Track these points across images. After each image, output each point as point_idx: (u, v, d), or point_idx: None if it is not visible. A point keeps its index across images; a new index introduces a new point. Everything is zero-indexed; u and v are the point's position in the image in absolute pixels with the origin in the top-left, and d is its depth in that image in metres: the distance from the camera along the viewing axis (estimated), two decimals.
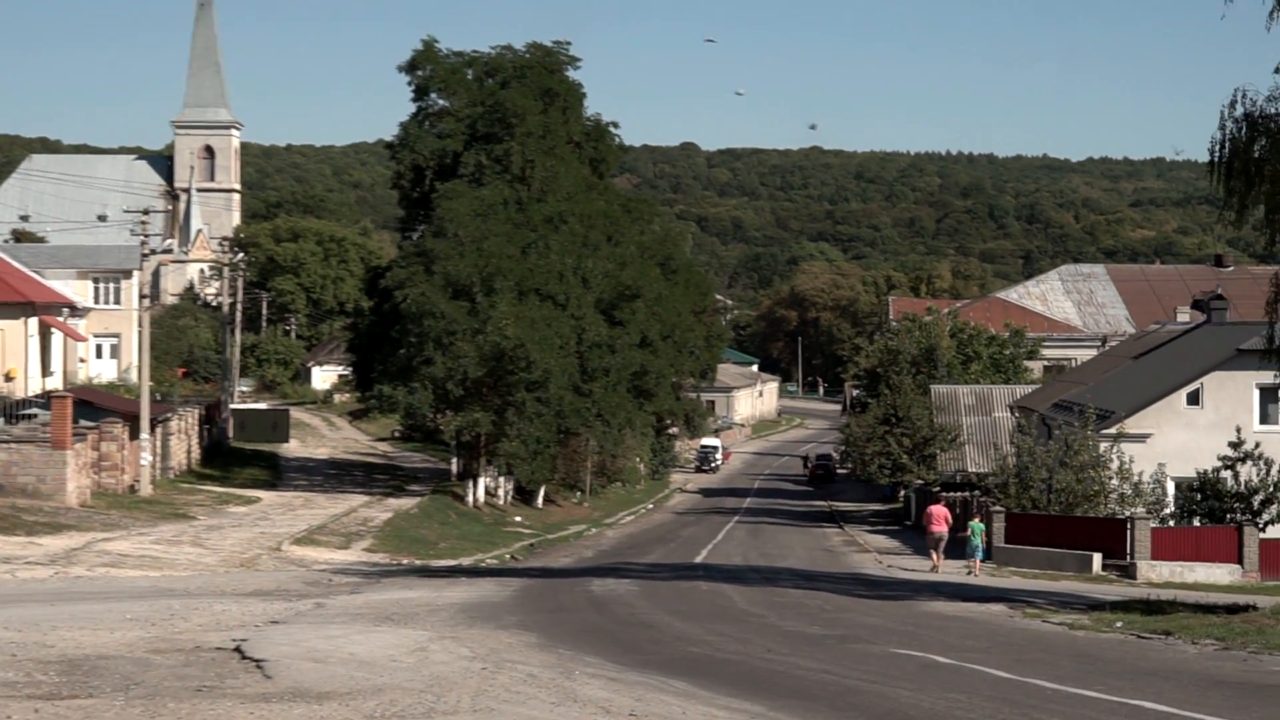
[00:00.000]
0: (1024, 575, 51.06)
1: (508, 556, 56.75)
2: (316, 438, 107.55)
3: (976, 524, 54.01)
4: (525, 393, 67.65)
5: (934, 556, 53.67)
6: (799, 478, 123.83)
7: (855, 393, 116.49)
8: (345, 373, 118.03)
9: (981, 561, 53.61)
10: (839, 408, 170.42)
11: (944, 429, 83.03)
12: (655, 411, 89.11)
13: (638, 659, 22.22)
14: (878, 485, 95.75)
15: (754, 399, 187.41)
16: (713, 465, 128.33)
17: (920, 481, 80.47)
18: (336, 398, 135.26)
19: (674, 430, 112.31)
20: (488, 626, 26.87)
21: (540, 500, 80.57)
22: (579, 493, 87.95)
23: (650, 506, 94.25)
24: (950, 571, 51.69)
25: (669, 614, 30.83)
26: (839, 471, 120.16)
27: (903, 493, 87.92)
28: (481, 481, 74.02)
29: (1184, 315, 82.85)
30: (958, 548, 55.14)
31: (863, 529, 79.08)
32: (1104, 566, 51.65)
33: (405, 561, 50.31)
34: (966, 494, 68.20)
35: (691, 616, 30.40)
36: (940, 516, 54.11)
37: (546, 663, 21.24)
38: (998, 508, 57.75)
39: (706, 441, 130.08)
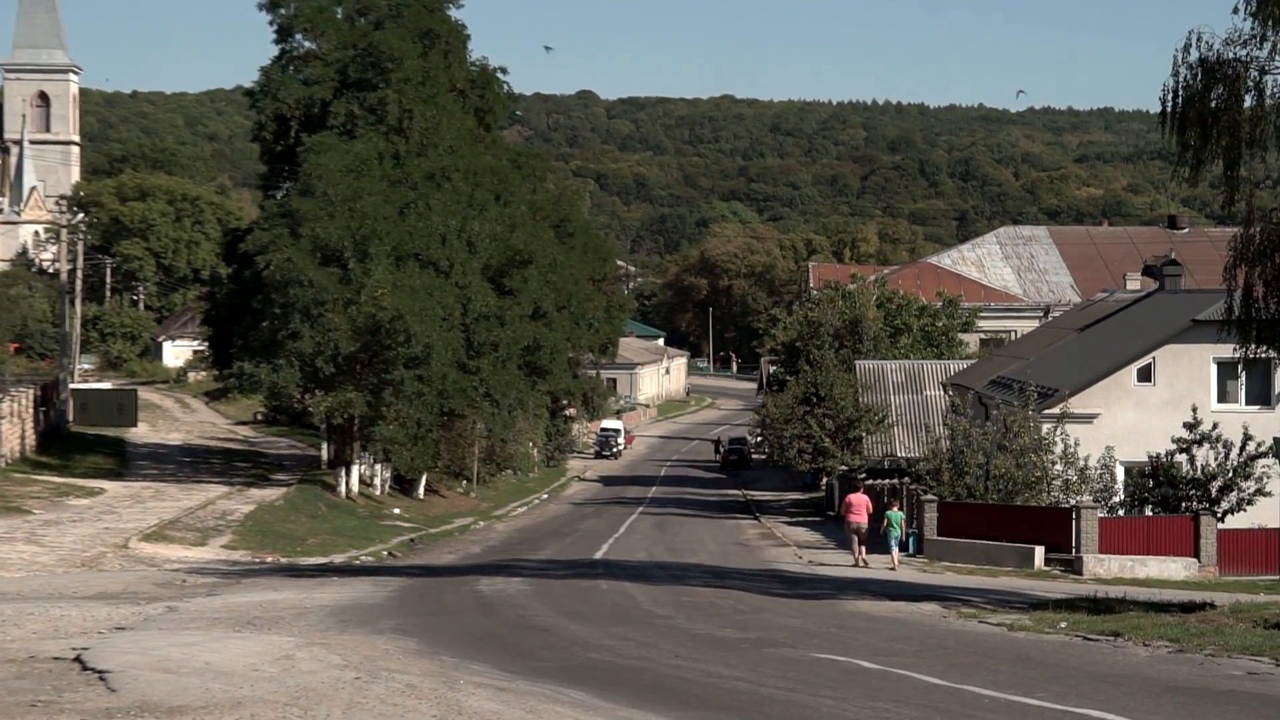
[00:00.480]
0: (958, 570, 51.42)
1: (385, 553, 56.66)
2: (169, 421, 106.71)
3: (895, 513, 54.35)
4: (404, 370, 67.36)
5: (856, 550, 53.94)
6: (710, 464, 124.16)
7: (772, 369, 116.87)
8: (201, 348, 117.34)
9: (905, 554, 53.96)
10: (754, 386, 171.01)
11: (870, 409, 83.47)
12: (550, 391, 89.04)
13: (530, 666, 22.21)
14: (797, 472, 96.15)
15: (660, 376, 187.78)
16: (614, 450, 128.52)
17: (844, 468, 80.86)
18: (191, 376, 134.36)
19: (571, 412, 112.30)
20: (362, 631, 26.78)
21: (421, 490, 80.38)
22: (465, 482, 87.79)
23: (545, 497, 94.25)
24: (876, 566, 52.01)
25: (565, 616, 30.83)
26: (754, 457, 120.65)
27: (825, 480, 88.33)
28: (355, 470, 73.72)
29: (1134, 282, 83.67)
30: (884, 540, 55.37)
31: (781, 520, 79.39)
32: (1047, 561, 52.07)
33: (269, 559, 50.16)
34: (895, 481, 68.58)
35: (590, 619, 30.41)
36: (860, 505, 54.25)
37: (428, 671, 21.18)
38: (929, 496, 58.13)
39: (607, 424, 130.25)
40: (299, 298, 67.22)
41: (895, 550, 53.22)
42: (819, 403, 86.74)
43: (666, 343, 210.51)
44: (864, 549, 53.77)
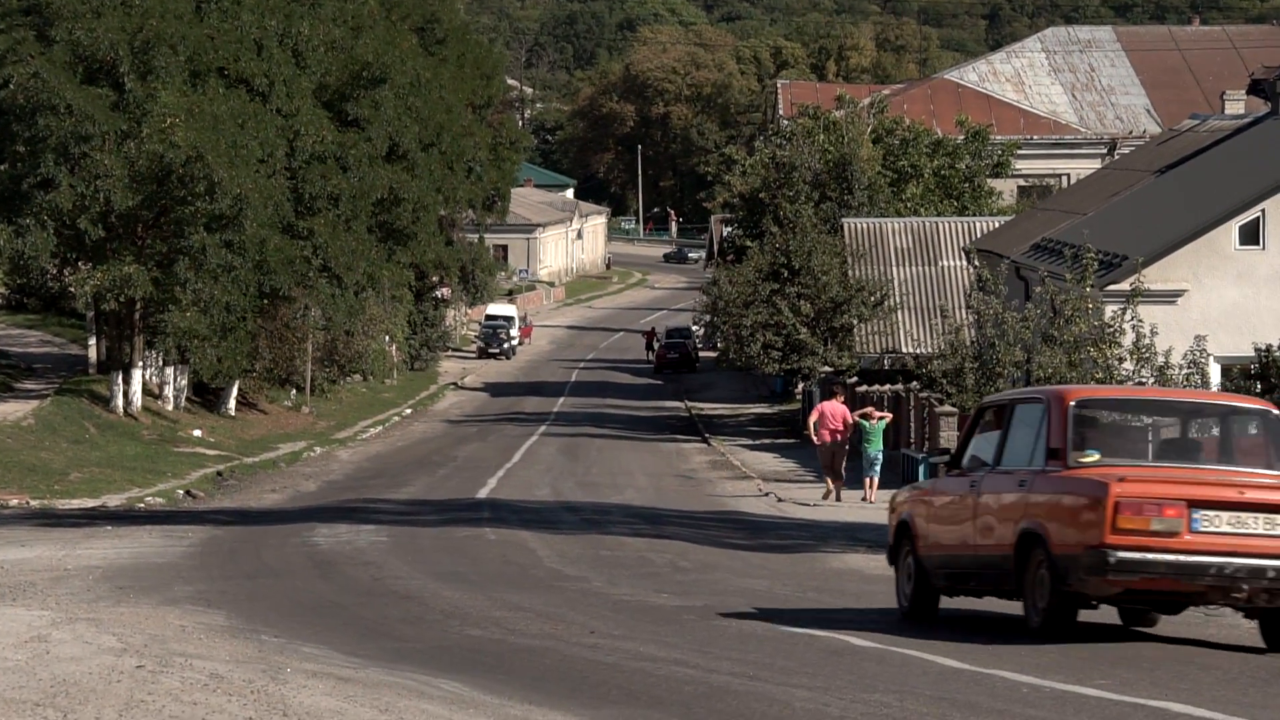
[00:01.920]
0: None
1: (181, 493, 56.74)
2: None
3: (875, 425, 54.51)
4: (205, 234, 67.08)
5: (829, 480, 54.13)
6: (641, 365, 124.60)
7: (726, 231, 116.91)
8: None
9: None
10: (702, 255, 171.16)
11: (864, 287, 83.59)
12: (414, 264, 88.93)
13: (386, 648, 22.30)
14: (762, 376, 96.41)
15: (569, 243, 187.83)
16: (505, 347, 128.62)
17: (828, 369, 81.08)
18: None
19: (444, 293, 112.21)
20: (149, 601, 26.82)
21: (233, 404, 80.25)
22: (295, 392, 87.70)
23: (408, 412, 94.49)
24: (853, 501, 52.41)
25: (436, 579, 31.00)
26: (702, 355, 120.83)
27: (801, 387, 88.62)
28: (138, 375, 73.41)
29: (1236, 104, 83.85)
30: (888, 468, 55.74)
31: (739, 443, 79.78)
32: None
33: (13, 502, 50.18)
34: (901, 386, 68.80)
35: (472, 582, 30.58)
36: (837, 418, 54.27)
37: (241, 656, 21.21)
38: (947, 408, 58.32)
39: (495, 310, 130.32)
40: (52, 130, 66.68)
41: (874, 475, 53.46)
42: (792, 278, 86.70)
43: (578, 195, 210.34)
44: (842, 478, 53.97)
